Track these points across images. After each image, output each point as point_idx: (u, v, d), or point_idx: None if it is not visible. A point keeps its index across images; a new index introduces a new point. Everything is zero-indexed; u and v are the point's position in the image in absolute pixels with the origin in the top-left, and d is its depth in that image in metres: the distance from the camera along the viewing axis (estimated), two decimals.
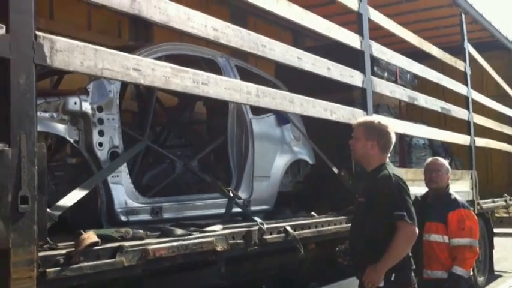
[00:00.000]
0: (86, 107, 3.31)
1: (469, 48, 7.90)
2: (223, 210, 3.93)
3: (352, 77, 4.77)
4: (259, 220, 3.72)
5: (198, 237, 3.15)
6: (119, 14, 4.35)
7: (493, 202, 8.83)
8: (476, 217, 4.56)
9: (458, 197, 4.58)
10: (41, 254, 2.33)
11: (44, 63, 2.36)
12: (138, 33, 5.82)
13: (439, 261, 4.32)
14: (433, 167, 4.63)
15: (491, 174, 10.41)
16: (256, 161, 4.44)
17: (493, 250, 9.22)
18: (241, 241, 3.45)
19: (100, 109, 3.40)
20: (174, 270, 3.32)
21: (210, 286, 3.72)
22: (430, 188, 4.64)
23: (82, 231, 2.64)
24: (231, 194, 3.90)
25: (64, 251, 2.45)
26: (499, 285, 8.70)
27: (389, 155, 3.48)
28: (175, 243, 2.98)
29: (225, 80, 3.60)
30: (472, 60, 8.27)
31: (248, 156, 4.40)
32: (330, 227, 4.37)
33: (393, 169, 3.42)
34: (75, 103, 3.27)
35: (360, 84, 4.91)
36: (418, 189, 5.03)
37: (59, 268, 2.39)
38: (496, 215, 10.44)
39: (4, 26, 2.21)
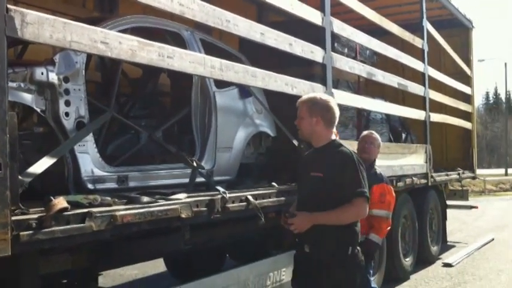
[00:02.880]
0: (53, 77, 3.37)
1: (428, 26, 8.15)
2: (187, 180, 4.07)
3: (313, 52, 4.94)
4: (222, 189, 3.87)
5: (163, 205, 3.30)
6: None
7: (447, 175, 9.21)
8: (394, 193, 4.82)
9: (382, 173, 4.83)
10: (14, 218, 2.45)
11: (15, 36, 2.44)
12: (102, 4, 5.81)
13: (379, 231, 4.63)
14: (367, 139, 4.86)
15: (446, 148, 10.75)
16: (219, 132, 4.57)
17: (446, 221, 9.62)
18: (205, 209, 3.61)
19: (66, 80, 3.46)
20: (141, 235, 3.46)
21: (175, 251, 3.88)
22: (360, 157, 4.87)
23: (52, 198, 2.76)
24: (195, 164, 4.04)
25: (36, 216, 2.57)
26: (453, 255, 9.10)
27: (334, 129, 3.50)
28: (141, 210, 3.12)
29: (189, 54, 3.71)
30: (431, 38, 8.53)
31: (211, 127, 4.53)
32: (289, 197, 4.56)
33: (348, 147, 3.45)
34: (42, 73, 3.32)
35: (320, 60, 5.08)
36: None
37: (31, 232, 2.51)
38: (450, 187, 10.90)
39: None
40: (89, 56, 3.94)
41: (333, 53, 5.30)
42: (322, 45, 5.12)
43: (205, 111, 4.53)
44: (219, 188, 3.90)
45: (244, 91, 4.95)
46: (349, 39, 5.92)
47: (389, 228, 4.78)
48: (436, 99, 8.48)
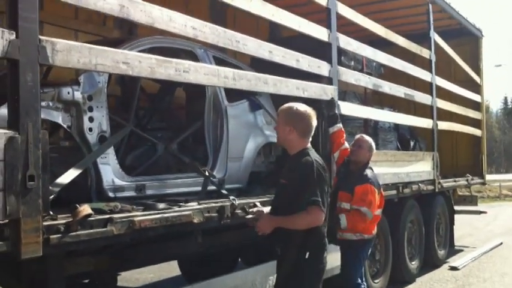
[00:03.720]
0: (78, 96, 3.70)
1: (435, 37, 8.37)
2: (200, 188, 4.39)
3: (319, 67, 5.23)
4: (231, 197, 4.17)
5: (177, 211, 3.61)
6: None
7: (454, 181, 9.40)
8: (378, 196, 4.96)
9: (372, 175, 5.01)
10: (45, 223, 2.78)
11: (47, 63, 2.79)
12: (122, 22, 6.16)
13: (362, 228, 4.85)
14: (356, 143, 5.12)
15: (457, 155, 10.92)
16: (230, 143, 4.87)
17: (453, 226, 9.81)
18: (215, 214, 3.91)
19: (90, 98, 3.79)
20: (157, 239, 3.78)
21: (189, 254, 4.19)
22: (350, 158, 5.14)
23: (77, 205, 3.09)
24: (207, 174, 4.35)
25: (64, 221, 2.90)
26: (460, 259, 9.30)
27: (310, 139, 3.60)
28: (157, 216, 3.44)
29: (204, 67, 4.03)
30: (439, 47, 8.77)
31: (223, 139, 4.84)
32: None
33: (315, 155, 3.55)
34: (68, 93, 3.65)
35: (326, 74, 5.37)
36: (377, 169, 5.56)
37: (60, 235, 2.84)
38: (460, 193, 11.08)
39: (14, 32, 2.62)
40: (110, 74, 4.29)
41: (339, 66, 5.58)
42: (329, 59, 5.42)
43: (217, 124, 4.84)
44: (229, 195, 4.21)
45: (254, 104, 5.26)
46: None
47: (374, 228, 4.99)
48: (444, 108, 8.70)
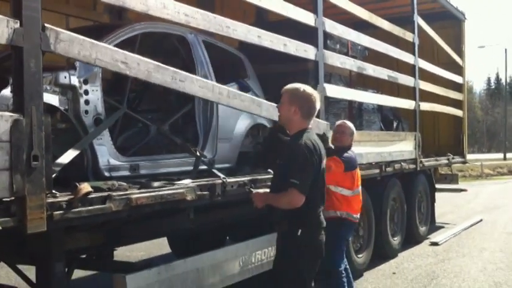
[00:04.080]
0: (74, 80, 3.84)
1: (418, 20, 8.58)
2: (191, 168, 4.58)
3: (306, 51, 5.42)
4: (222, 175, 4.38)
5: (171, 189, 3.81)
6: None
7: (436, 160, 9.71)
8: (342, 166, 5.10)
9: (350, 156, 5.21)
10: (49, 200, 2.95)
11: (49, 50, 2.94)
12: (112, 7, 6.27)
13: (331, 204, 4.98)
14: (338, 129, 5.33)
15: (438, 135, 11.22)
16: (220, 125, 5.05)
17: (435, 204, 10.14)
18: (207, 192, 4.11)
19: (86, 82, 3.93)
20: (151, 216, 3.98)
21: (181, 230, 4.40)
22: (333, 144, 5.35)
23: (77, 184, 3.27)
24: (198, 154, 4.55)
25: (66, 199, 3.08)
26: (440, 235, 9.66)
27: (311, 121, 3.71)
28: (153, 193, 3.63)
29: (200, 80, 4.20)
30: (423, 31, 8.98)
31: (213, 120, 5.02)
32: None
33: (310, 137, 3.60)
34: (65, 77, 3.79)
35: (313, 58, 5.56)
36: (361, 149, 5.79)
37: (62, 211, 3.02)
38: (441, 172, 11.42)
39: (18, 21, 2.77)
40: None
41: (325, 50, 5.77)
42: (315, 43, 5.60)
43: (207, 106, 5.02)
44: (219, 174, 4.42)
45: (243, 86, 5.44)
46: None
47: (350, 207, 5.15)
48: (426, 89, 8.96)
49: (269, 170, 5.22)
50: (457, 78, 10.72)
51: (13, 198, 2.77)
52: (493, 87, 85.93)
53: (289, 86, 3.72)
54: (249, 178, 4.60)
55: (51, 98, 3.69)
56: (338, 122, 5.50)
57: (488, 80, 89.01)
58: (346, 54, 6.73)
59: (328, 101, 6.22)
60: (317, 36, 5.58)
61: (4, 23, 2.72)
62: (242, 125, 5.39)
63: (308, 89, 3.71)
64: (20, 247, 3.48)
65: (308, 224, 3.60)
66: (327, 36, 6.06)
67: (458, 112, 10.86)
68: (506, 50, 43.87)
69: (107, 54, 3.30)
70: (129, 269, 3.82)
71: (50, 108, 3.82)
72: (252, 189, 4.01)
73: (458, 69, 10.91)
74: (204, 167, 4.62)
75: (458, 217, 12.06)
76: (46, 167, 2.94)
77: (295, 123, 3.64)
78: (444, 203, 13.76)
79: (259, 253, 4.88)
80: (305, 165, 3.48)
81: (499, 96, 70.50)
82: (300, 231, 3.55)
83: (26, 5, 2.78)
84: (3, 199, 2.75)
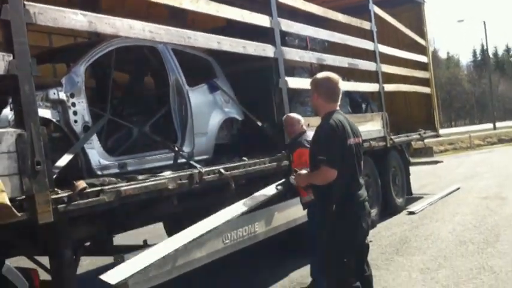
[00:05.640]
0: (62, 95, 4.46)
1: (374, 9, 9.26)
2: (172, 162, 5.27)
3: (264, 50, 6.11)
4: (198, 166, 5.07)
5: (154, 180, 4.49)
6: None
7: (407, 136, 10.41)
8: None
9: (303, 139, 5.72)
10: (53, 196, 3.63)
11: (37, 74, 3.60)
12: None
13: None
14: (287, 123, 6.04)
15: (411, 113, 11.91)
16: (195, 121, 5.72)
17: (409, 176, 10.84)
18: (186, 181, 4.80)
19: (72, 95, 4.56)
20: (141, 205, 4.65)
21: (166, 215, 5.09)
22: (290, 138, 6.05)
23: (74, 181, 3.95)
24: (176, 149, 5.23)
25: (66, 194, 3.75)
26: (419, 204, 10.37)
27: (338, 102, 3.96)
28: (138, 185, 4.31)
29: None
30: (381, 17, 9.67)
31: (188, 118, 5.68)
32: (255, 167, 5.78)
33: (335, 117, 3.85)
34: (54, 93, 4.41)
35: (272, 55, 6.24)
36: None
37: (64, 205, 3.69)
38: (415, 147, 12.13)
39: (11, 54, 3.44)
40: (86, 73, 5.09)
41: (283, 47, 6.45)
42: (273, 42, 6.28)
43: (181, 106, 5.68)
44: (196, 165, 5.11)
45: (213, 87, 6.13)
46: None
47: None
48: (389, 72, 9.65)
49: (243, 158, 5.93)
50: (422, 58, 11.41)
51: (24, 196, 3.44)
52: (479, 58, 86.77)
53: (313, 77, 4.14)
54: (222, 166, 5.28)
55: (44, 112, 4.34)
56: (284, 117, 6.14)
57: (474, 52, 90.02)
58: (306, 48, 7.40)
59: (293, 92, 6.88)
60: (273, 35, 6.24)
61: (0, 57, 3.39)
62: (215, 119, 6.08)
63: (323, 74, 4.08)
64: (34, 241, 4.15)
65: (341, 198, 3.81)
66: (285, 33, 6.72)
67: (426, 89, 11.56)
68: (484, 22, 44.88)
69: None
70: (127, 251, 4.48)
71: (45, 121, 4.51)
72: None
73: (422, 49, 11.60)
74: (184, 160, 5.30)
75: (438, 187, 12.75)
76: (48, 170, 3.61)
77: (321, 107, 3.99)
78: (426, 175, 14.54)
79: (240, 230, 5.56)
80: (329, 142, 3.76)
81: (486, 67, 71.36)
82: (334, 206, 3.80)
83: (16, 41, 3.45)
84: (17, 198, 3.42)
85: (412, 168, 11.51)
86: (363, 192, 3.99)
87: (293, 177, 4.67)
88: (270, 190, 5.69)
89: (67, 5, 6.68)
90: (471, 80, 78.00)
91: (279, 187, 5.68)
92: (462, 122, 75.87)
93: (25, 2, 3.55)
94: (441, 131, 12.84)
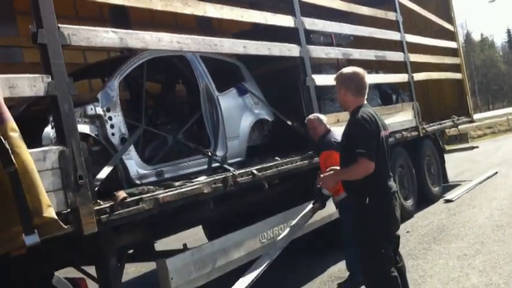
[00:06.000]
0: (99, 110, 4.70)
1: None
2: (206, 167, 5.44)
3: (290, 50, 6.21)
4: (231, 168, 5.23)
5: (190, 186, 4.66)
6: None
7: (440, 124, 10.36)
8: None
9: (329, 139, 5.66)
10: (96, 208, 3.83)
11: (75, 93, 3.81)
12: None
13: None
14: (310, 126, 5.91)
15: (443, 100, 11.87)
16: (226, 126, 5.87)
17: (445, 164, 10.78)
18: (220, 185, 4.95)
19: (108, 109, 4.78)
20: (179, 210, 4.84)
21: (204, 218, 5.27)
22: (316, 140, 5.93)
23: (115, 192, 4.15)
24: (209, 154, 5.40)
25: (108, 205, 3.95)
26: (456, 191, 10.30)
27: (365, 96, 3.99)
28: (175, 192, 4.49)
29: None
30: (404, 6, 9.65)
31: (220, 123, 5.84)
32: (287, 166, 5.90)
33: (365, 111, 3.89)
34: (91, 109, 4.64)
35: (298, 55, 6.34)
36: None
37: (107, 215, 3.89)
38: (450, 134, 12.04)
39: (50, 76, 3.65)
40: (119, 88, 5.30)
41: (308, 46, 6.54)
42: (298, 41, 6.38)
43: (212, 112, 5.85)
44: (229, 168, 5.27)
45: (241, 90, 6.27)
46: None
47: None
48: (418, 60, 9.62)
49: (276, 158, 6.05)
50: (451, 44, 11.31)
51: (69, 210, 3.65)
52: None
53: (337, 74, 4.16)
54: (254, 168, 5.42)
55: (83, 128, 4.56)
56: (306, 120, 6.01)
57: (508, 32, 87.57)
58: (331, 44, 7.47)
59: (321, 89, 6.97)
60: (298, 35, 6.34)
61: (40, 79, 3.60)
62: (246, 122, 6.22)
63: (349, 69, 4.12)
64: (81, 252, 4.37)
65: (374, 192, 3.89)
66: (310, 31, 6.80)
67: (457, 75, 11.47)
68: None
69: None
70: (168, 255, 4.67)
71: (85, 136, 4.74)
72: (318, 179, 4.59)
73: (451, 35, 11.51)
74: (217, 164, 5.47)
75: (476, 173, 12.61)
76: (90, 183, 3.82)
77: (350, 102, 4.01)
78: (463, 162, 14.40)
79: (276, 229, 5.69)
80: (365, 135, 3.79)
81: None
82: (367, 199, 3.88)
83: (53, 62, 3.66)
84: (62, 212, 3.63)
85: (448, 156, 11.47)
86: (393, 184, 4.06)
87: (319, 181, 4.63)
88: (308, 209, 5.63)
89: (99, 20, 7.07)
90: (507, 61, 76.17)
91: (316, 204, 5.36)
92: (500, 105, 74.13)
93: (59, 25, 3.75)
94: (479, 115, 12.78)
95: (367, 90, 4.09)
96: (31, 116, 4.65)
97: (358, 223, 4.05)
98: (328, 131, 5.83)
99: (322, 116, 5.99)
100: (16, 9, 6.00)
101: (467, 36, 64.98)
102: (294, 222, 5.44)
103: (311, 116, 6.00)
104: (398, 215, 4.07)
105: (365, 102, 4.05)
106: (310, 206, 5.31)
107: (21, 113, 4.92)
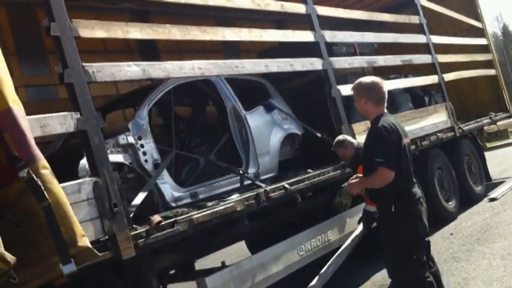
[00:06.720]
0: (131, 139, 4.90)
1: (420, 2, 9.23)
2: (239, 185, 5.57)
3: (312, 64, 6.31)
4: (263, 185, 5.33)
5: (223, 205, 4.78)
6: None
7: (476, 122, 10.20)
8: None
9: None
10: (132, 233, 3.99)
11: (104, 126, 4.02)
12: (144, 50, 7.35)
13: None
14: (338, 152, 5.74)
15: (479, 97, 11.68)
16: (256, 143, 6.01)
17: (486, 162, 10.55)
18: (253, 201, 5.05)
19: (140, 138, 4.99)
20: (214, 229, 4.97)
21: (241, 235, 5.37)
22: (348, 163, 5.84)
23: (150, 217, 4.32)
24: (241, 172, 5.53)
25: (144, 229, 4.10)
26: (500, 189, 10.07)
27: (385, 105, 4.03)
28: (209, 211, 4.61)
29: None
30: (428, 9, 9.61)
31: (249, 141, 5.98)
32: (320, 178, 5.96)
33: (385, 120, 3.93)
34: (123, 138, 4.85)
35: (320, 68, 6.43)
36: None
37: (143, 239, 4.04)
38: (489, 131, 11.81)
39: (78, 113, 3.86)
40: (150, 115, 5.51)
41: (330, 58, 6.62)
42: (320, 54, 6.48)
43: (241, 131, 6.00)
44: (261, 184, 5.37)
45: (268, 107, 6.40)
46: None
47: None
48: (447, 61, 9.55)
49: (308, 170, 6.12)
50: (480, 41, 11.17)
51: (107, 237, 3.83)
52: None
53: (354, 83, 4.19)
54: (286, 182, 5.50)
55: (117, 157, 4.78)
56: (334, 143, 5.80)
57: None
58: (355, 53, 7.52)
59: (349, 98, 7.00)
60: (320, 48, 6.43)
61: (69, 116, 3.81)
62: (275, 138, 6.34)
63: (368, 79, 4.18)
64: (123, 276, 4.53)
65: (399, 198, 3.94)
66: (331, 43, 6.88)
67: (491, 71, 11.29)
68: None
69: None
70: (208, 274, 4.80)
71: (119, 165, 4.95)
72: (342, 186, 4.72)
73: (480, 32, 11.37)
74: (249, 181, 5.59)
75: None
76: (125, 210, 4.00)
77: (370, 111, 4.07)
78: (506, 159, 14.05)
79: (314, 241, 5.75)
80: (385, 144, 3.84)
81: None
82: (393, 206, 3.94)
83: (80, 100, 3.87)
84: (100, 239, 3.81)
85: (491, 153, 11.24)
86: (418, 190, 4.11)
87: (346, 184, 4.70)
88: (358, 230, 5.73)
89: (127, 52, 7.36)
90: None
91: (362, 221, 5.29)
92: None
93: (83, 64, 3.97)
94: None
95: (386, 98, 4.14)
96: (69, 149, 4.91)
97: (386, 232, 4.10)
98: (358, 149, 5.55)
99: (349, 137, 5.81)
100: (47, 49, 6.31)
101: (504, 29, 63.17)
102: (342, 247, 5.68)
103: (332, 148, 5.82)
104: (426, 220, 4.09)
105: (385, 110, 4.09)
106: (360, 229, 5.43)
107: (60, 147, 5.20)
